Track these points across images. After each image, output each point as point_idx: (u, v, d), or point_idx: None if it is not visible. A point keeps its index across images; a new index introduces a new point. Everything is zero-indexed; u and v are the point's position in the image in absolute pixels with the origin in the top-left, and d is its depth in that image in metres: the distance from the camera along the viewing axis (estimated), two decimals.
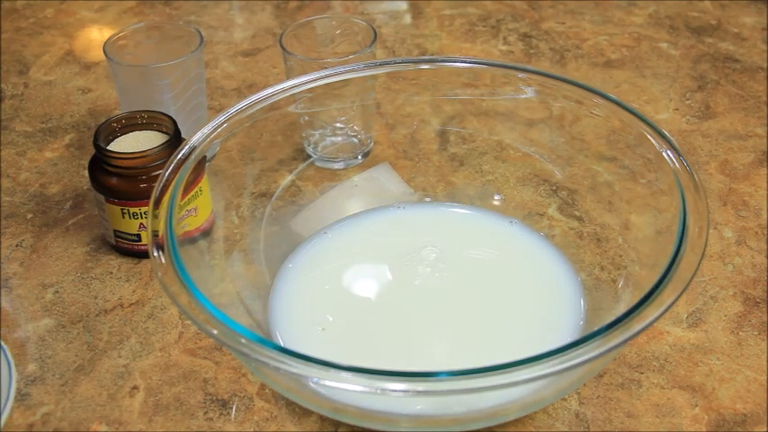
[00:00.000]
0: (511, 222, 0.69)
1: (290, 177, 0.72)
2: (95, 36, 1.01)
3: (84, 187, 0.77)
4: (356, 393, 0.49)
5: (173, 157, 0.59)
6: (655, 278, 0.50)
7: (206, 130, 0.61)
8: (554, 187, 0.71)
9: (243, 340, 0.48)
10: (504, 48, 0.96)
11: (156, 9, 1.05)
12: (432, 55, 0.95)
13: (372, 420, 0.53)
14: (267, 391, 0.59)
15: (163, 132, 0.70)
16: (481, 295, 0.63)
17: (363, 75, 0.67)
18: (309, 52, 0.76)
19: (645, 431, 0.56)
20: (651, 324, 0.48)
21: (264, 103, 0.64)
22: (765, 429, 0.56)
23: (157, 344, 0.63)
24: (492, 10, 1.02)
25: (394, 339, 0.60)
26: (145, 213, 0.67)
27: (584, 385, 0.59)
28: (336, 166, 0.75)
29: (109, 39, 0.75)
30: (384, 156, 0.77)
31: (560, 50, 0.95)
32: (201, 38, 0.75)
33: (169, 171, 0.58)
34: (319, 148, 0.75)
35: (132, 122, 0.70)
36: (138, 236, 0.68)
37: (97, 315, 0.65)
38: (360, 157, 0.76)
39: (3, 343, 0.60)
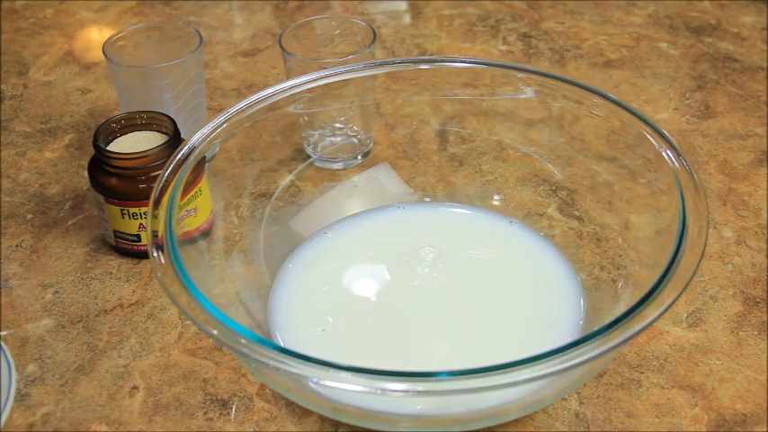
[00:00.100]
0: (510, 222, 0.69)
1: (289, 177, 0.72)
2: (95, 36, 1.01)
3: (84, 188, 0.77)
4: (356, 393, 0.49)
5: (172, 157, 0.59)
6: (654, 278, 0.50)
7: (205, 130, 0.61)
8: (554, 187, 0.71)
9: (243, 340, 0.48)
10: (504, 48, 0.96)
11: (156, 9, 1.05)
12: (431, 55, 0.94)
13: (372, 420, 0.53)
14: (267, 391, 0.59)
15: (162, 133, 0.69)
16: (481, 295, 0.63)
17: (363, 75, 0.67)
18: (309, 52, 0.76)
19: (645, 431, 0.56)
20: (651, 324, 0.48)
21: (264, 104, 0.64)
22: (765, 429, 0.56)
23: (157, 344, 0.63)
24: (491, 10, 1.02)
25: (394, 339, 0.60)
26: (144, 214, 0.67)
27: (585, 385, 0.59)
28: (336, 166, 0.75)
29: (108, 39, 0.75)
30: (384, 156, 0.77)
31: (560, 50, 0.95)
32: (201, 38, 0.75)
33: (169, 171, 0.58)
34: (319, 149, 0.75)
35: (132, 123, 0.70)
36: (138, 236, 0.68)
37: (97, 315, 0.65)
38: (359, 158, 0.76)
39: (3, 343, 0.60)
